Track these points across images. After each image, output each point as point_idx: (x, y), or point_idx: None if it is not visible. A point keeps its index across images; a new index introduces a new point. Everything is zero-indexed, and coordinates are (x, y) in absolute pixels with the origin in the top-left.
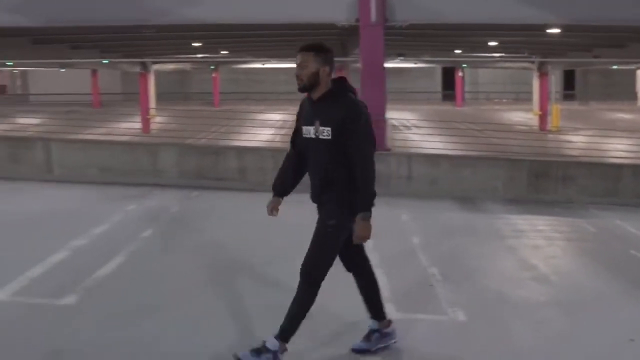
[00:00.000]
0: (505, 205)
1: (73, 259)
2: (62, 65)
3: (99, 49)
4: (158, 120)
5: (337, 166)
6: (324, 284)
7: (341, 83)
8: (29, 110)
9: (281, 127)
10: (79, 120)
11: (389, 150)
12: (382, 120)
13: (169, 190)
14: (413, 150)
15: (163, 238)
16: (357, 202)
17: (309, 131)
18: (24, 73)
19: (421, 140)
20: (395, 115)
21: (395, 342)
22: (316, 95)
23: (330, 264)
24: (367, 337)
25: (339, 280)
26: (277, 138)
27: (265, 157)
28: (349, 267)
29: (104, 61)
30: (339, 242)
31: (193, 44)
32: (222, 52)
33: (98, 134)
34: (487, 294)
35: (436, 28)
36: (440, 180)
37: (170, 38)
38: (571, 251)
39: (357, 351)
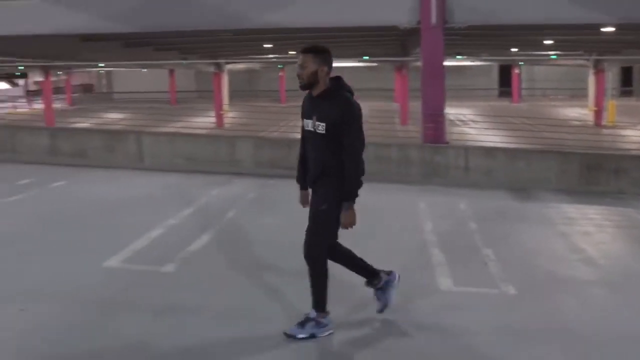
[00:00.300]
0: (558, 195)
1: (169, 235)
2: (145, 66)
3: (179, 51)
4: (230, 116)
5: (332, 158)
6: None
7: (338, 82)
8: (114, 106)
9: None
10: (162, 115)
11: (447, 143)
12: (441, 115)
13: (246, 178)
14: (470, 143)
15: (244, 219)
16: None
17: (307, 124)
18: (108, 73)
19: (478, 134)
20: (453, 110)
21: (398, 279)
22: (315, 92)
23: (326, 243)
24: (377, 298)
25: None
26: None
27: None
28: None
29: (184, 62)
30: (332, 224)
31: (264, 45)
32: (290, 52)
33: (179, 127)
34: (537, 273)
35: (493, 28)
36: (496, 171)
37: (244, 40)
38: (620, 238)
39: (381, 311)
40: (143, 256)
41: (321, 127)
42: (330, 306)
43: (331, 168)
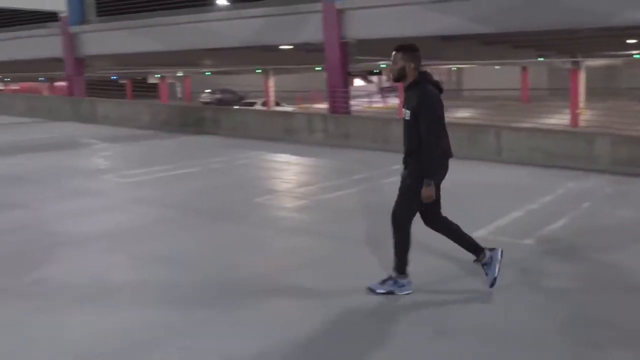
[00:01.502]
0: None
1: (528, 216)
2: (499, 63)
3: (534, 49)
4: (588, 114)
5: (416, 141)
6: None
7: (423, 76)
8: (465, 104)
9: None
10: (509, 115)
11: None
12: None
13: (602, 174)
14: None
15: (599, 209)
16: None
17: (402, 113)
18: (459, 70)
19: None
20: None
21: (501, 255)
22: (404, 85)
23: (410, 213)
24: (485, 273)
25: None
26: None
27: None
28: (426, 223)
29: (539, 59)
30: (415, 197)
31: (627, 41)
32: None
33: (529, 125)
34: None
35: None
36: None
37: (604, 37)
38: None
39: (491, 286)
40: (506, 230)
41: (407, 114)
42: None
43: (415, 150)
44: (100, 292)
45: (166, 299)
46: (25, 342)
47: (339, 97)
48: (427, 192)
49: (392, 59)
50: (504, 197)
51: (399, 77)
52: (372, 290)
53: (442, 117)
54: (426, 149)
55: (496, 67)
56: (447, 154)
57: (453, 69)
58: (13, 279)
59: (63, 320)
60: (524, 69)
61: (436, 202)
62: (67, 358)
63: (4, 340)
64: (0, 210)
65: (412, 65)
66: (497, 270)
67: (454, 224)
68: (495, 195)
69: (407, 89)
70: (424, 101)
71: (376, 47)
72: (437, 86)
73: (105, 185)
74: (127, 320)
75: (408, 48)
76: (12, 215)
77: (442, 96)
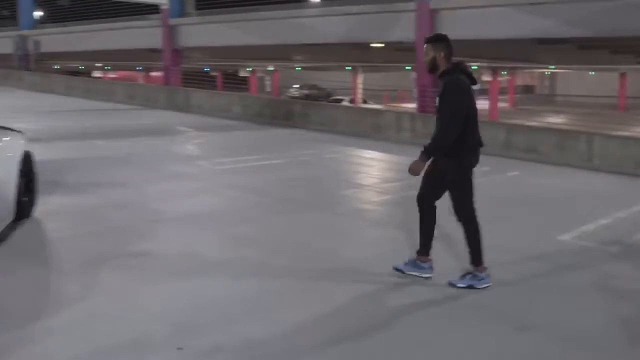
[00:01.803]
0: None
1: (617, 224)
2: (595, 69)
3: (635, 54)
4: None
5: None
6: None
7: (455, 66)
8: (557, 110)
9: None
10: (607, 120)
11: None
12: None
13: None
14: None
15: None
16: (464, 153)
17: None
18: (553, 75)
19: None
20: None
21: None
22: (437, 74)
23: (469, 204)
24: (405, 265)
25: None
26: None
27: None
28: (418, 197)
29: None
30: (464, 186)
31: None
32: None
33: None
34: None
35: None
36: None
37: None
38: None
39: (397, 269)
40: (592, 236)
41: (437, 101)
42: None
43: None
44: (195, 267)
45: (254, 277)
46: (128, 308)
47: (429, 97)
48: (415, 165)
49: (424, 51)
50: (592, 203)
51: (432, 67)
52: (452, 285)
53: (470, 107)
54: (439, 131)
55: (591, 72)
56: (477, 145)
57: (547, 73)
58: (119, 250)
59: (162, 290)
60: (623, 75)
61: (432, 187)
62: (165, 325)
63: (110, 305)
64: (105, 188)
65: (442, 54)
66: (417, 271)
67: (434, 216)
68: (583, 201)
69: (440, 78)
70: (450, 88)
71: (469, 49)
72: (470, 77)
73: (198, 171)
74: (218, 294)
75: (437, 38)
76: (116, 194)
77: (533, 100)
